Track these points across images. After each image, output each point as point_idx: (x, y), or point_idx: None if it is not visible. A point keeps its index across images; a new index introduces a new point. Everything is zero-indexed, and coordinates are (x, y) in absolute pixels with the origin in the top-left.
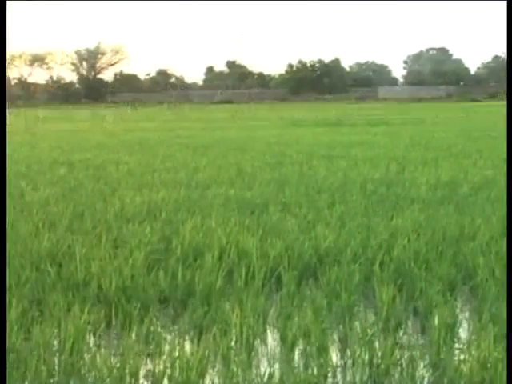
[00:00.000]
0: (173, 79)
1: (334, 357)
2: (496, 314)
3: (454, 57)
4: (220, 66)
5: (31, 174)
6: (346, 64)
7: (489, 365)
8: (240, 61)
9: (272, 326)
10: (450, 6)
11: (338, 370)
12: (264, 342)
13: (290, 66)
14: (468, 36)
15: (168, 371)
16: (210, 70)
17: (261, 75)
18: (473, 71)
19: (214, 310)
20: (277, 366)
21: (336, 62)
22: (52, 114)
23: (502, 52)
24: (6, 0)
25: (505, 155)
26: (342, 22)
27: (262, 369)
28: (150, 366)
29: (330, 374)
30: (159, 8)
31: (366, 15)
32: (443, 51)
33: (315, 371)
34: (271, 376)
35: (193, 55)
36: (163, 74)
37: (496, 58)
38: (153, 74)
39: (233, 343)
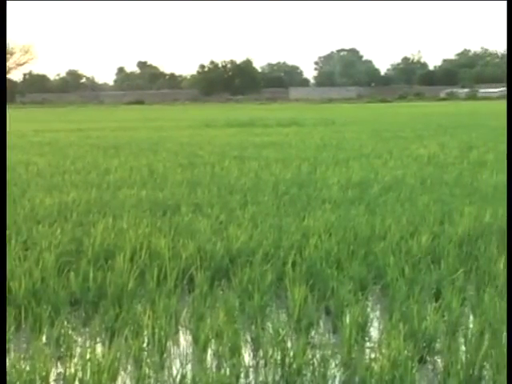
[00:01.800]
0: (83, 79)
1: (247, 357)
2: (406, 313)
3: (364, 58)
4: (131, 67)
5: None
6: (258, 65)
7: (399, 363)
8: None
9: (184, 327)
10: (360, 6)
11: (251, 370)
12: (176, 343)
13: (202, 66)
14: (378, 37)
15: (79, 374)
16: (120, 70)
17: (172, 76)
18: (383, 72)
19: (125, 312)
20: (189, 366)
21: (248, 62)
22: None
23: (411, 53)
24: (5, 0)
25: (415, 155)
26: (254, 23)
27: (175, 370)
28: (60, 369)
29: (242, 375)
30: (69, 7)
31: (277, 16)
32: (354, 52)
33: (227, 372)
34: (184, 377)
35: (104, 55)
36: (73, 75)
37: (405, 59)
38: (63, 74)
39: (145, 345)
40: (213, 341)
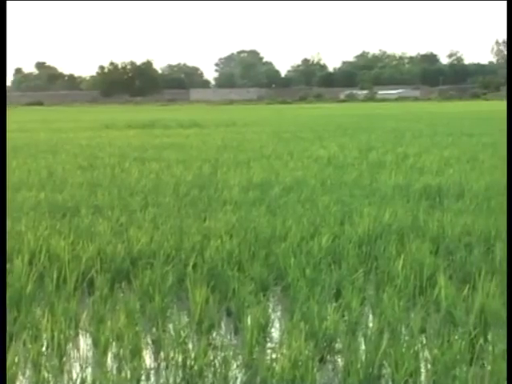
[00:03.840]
0: None
1: (148, 359)
2: (307, 313)
3: (264, 60)
4: (29, 68)
5: None
6: (158, 66)
7: (300, 363)
8: (50, 62)
9: (84, 330)
10: (259, 8)
11: (152, 372)
12: (76, 346)
13: (102, 67)
14: (278, 39)
15: None
16: (18, 71)
17: (71, 77)
18: (283, 74)
19: (24, 316)
20: (89, 370)
21: (148, 63)
22: None
23: (311, 55)
24: (5, 0)
25: (315, 156)
26: (154, 24)
27: (75, 374)
28: None
29: (143, 377)
30: None
31: (176, 17)
32: (254, 54)
33: (128, 374)
34: (84, 381)
35: None
36: None
37: (305, 61)
38: None
39: (44, 348)
40: (113, 343)
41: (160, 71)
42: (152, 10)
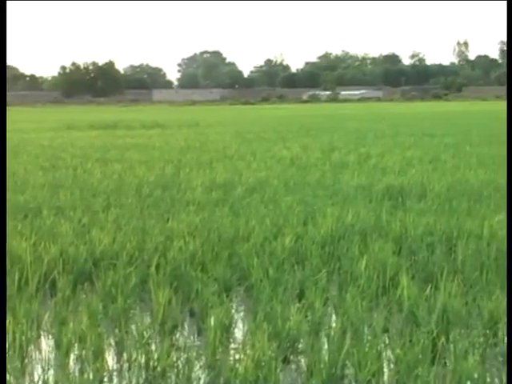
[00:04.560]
0: None
1: (110, 361)
2: (270, 314)
3: (227, 60)
4: None
5: None
6: (121, 66)
7: (263, 363)
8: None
9: (46, 331)
10: (222, 8)
11: (115, 373)
12: (38, 348)
13: (63, 67)
14: (241, 39)
15: None
16: None
17: (33, 77)
18: (246, 74)
19: None
20: (51, 372)
21: (110, 64)
22: None
23: (274, 56)
24: (5, 0)
25: (278, 156)
26: (117, 24)
27: (36, 376)
28: None
29: (106, 379)
30: None
31: (139, 17)
32: (217, 54)
33: (91, 376)
34: (45, 382)
35: None
36: None
37: (268, 61)
38: None
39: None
40: (76, 345)
41: (122, 71)
42: (114, 9)
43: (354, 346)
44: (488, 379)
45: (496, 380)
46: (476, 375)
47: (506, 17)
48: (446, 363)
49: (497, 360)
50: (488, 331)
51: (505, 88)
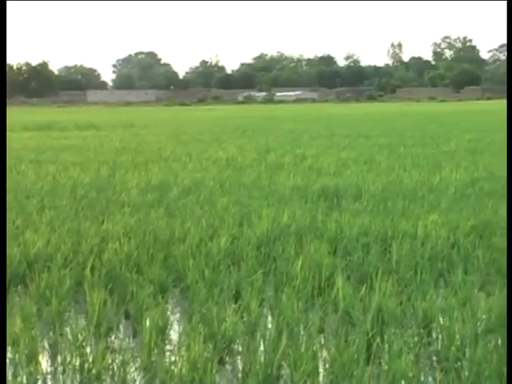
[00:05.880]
0: None
1: (44, 364)
2: (206, 315)
3: (162, 61)
4: None
5: None
6: (54, 67)
7: (199, 365)
8: None
9: None
10: (157, 9)
11: (49, 377)
12: None
13: None
14: (176, 40)
15: None
16: None
17: None
18: (181, 75)
19: None
20: None
21: (44, 65)
22: None
23: (209, 57)
24: (5, 0)
25: (214, 157)
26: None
27: None
28: None
29: (40, 382)
30: None
31: (72, 17)
32: (152, 55)
33: (24, 379)
34: None
35: None
36: None
37: (204, 62)
38: None
39: None
40: (9, 348)
41: (56, 72)
42: (47, 10)
43: (290, 347)
44: (422, 378)
45: (430, 378)
46: (410, 374)
47: (506, 17)
48: (380, 363)
49: (430, 359)
50: (422, 330)
51: (437, 89)
